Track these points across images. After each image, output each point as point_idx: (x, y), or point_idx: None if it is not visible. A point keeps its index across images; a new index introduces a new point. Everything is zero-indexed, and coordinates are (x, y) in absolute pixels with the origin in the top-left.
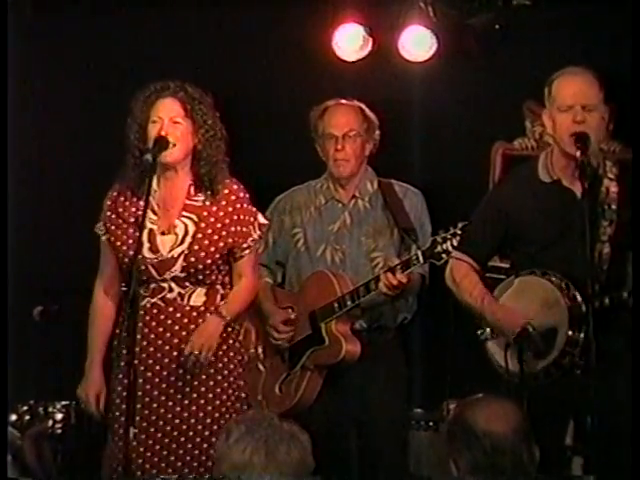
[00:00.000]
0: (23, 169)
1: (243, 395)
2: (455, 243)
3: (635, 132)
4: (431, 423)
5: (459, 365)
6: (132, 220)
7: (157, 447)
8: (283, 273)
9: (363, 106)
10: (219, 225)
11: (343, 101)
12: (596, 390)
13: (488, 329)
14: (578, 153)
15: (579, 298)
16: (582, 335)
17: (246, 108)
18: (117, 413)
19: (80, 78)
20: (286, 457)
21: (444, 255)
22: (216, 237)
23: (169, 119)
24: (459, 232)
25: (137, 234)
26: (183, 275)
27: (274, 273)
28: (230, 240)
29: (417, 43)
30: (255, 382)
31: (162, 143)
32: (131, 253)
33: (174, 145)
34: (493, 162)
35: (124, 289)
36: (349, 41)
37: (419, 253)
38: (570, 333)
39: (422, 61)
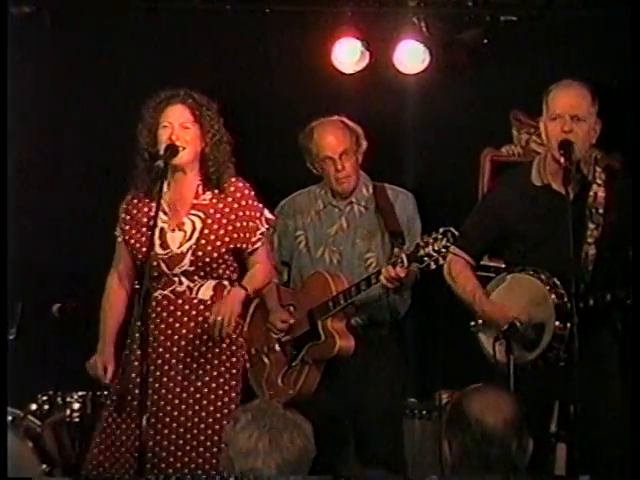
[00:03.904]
0: (43, 169)
1: (240, 388)
2: (437, 247)
3: (635, 134)
4: (424, 412)
5: (451, 357)
6: (145, 221)
7: (166, 431)
8: (288, 272)
9: (344, 119)
10: (225, 221)
11: (325, 120)
12: (579, 382)
13: (480, 321)
14: (562, 160)
15: (566, 296)
16: (567, 331)
17: (251, 118)
18: (129, 397)
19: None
20: (289, 444)
21: (426, 258)
22: (222, 232)
23: (179, 124)
24: (440, 236)
25: (150, 234)
26: (192, 269)
27: (280, 273)
28: (236, 235)
29: (411, 56)
30: (260, 373)
31: (173, 150)
32: (145, 251)
33: (184, 149)
34: (482, 167)
35: (137, 287)
36: (347, 55)
37: (403, 256)
38: (557, 329)
39: (416, 73)
